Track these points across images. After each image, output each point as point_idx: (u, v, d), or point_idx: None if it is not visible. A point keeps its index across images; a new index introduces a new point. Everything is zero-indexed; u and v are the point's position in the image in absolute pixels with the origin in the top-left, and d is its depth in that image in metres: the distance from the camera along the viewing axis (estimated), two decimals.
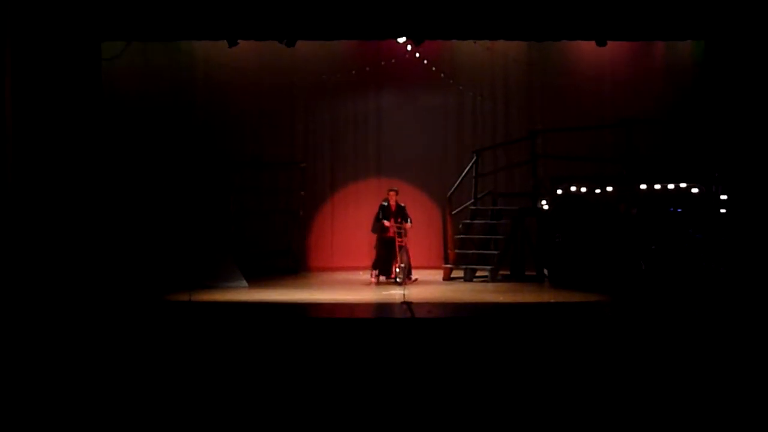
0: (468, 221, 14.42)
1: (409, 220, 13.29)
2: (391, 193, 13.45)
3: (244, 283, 12.78)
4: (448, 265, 14.08)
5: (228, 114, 16.04)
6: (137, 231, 14.23)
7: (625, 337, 8.41)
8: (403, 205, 13.40)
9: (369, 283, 13.06)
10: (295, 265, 15.37)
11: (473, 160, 14.65)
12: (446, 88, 16.38)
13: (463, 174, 14.58)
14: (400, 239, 13.07)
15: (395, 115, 16.44)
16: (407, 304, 10.41)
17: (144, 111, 15.42)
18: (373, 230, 13.81)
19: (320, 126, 16.53)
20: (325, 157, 16.54)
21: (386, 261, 13.18)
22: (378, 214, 13.36)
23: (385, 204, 13.35)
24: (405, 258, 12.99)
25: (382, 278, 13.23)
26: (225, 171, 15.66)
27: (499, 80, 16.51)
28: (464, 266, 13.89)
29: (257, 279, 13.50)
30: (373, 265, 13.46)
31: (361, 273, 15.10)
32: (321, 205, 16.53)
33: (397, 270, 13.00)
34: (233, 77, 15.98)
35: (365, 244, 16.12)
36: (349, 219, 16.44)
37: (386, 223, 13.20)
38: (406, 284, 12.72)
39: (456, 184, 14.49)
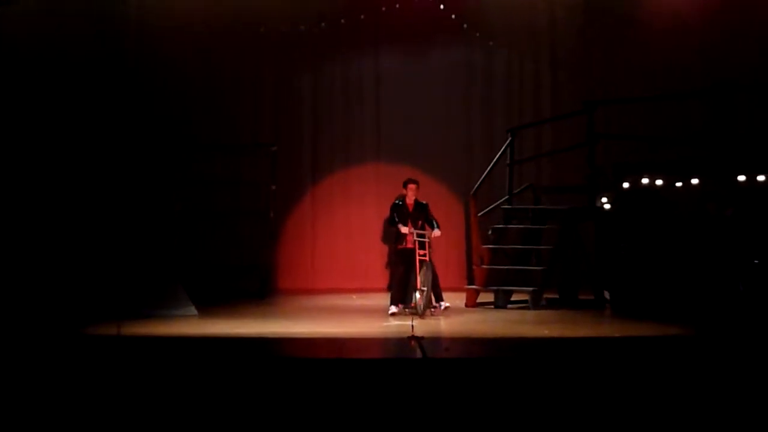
0: (500, 226, 14.40)
1: (435, 224, 12.91)
2: (411, 185, 13.00)
3: (193, 310, 12.79)
4: (473, 287, 14.07)
5: (170, 79, 16.03)
6: (46, 239, 14.21)
7: (716, 386, 8.38)
8: (425, 202, 13.13)
9: (392, 315, 12.75)
10: (262, 286, 15.37)
11: (507, 142, 14.64)
12: (471, 43, 16.40)
13: (494, 161, 14.56)
14: (422, 252, 12.63)
15: (400, 80, 16.44)
16: (416, 340, 10.37)
17: (53, 75, 15.40)
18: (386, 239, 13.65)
19: (297, 95, 16.53)
20: (303, 137, 16.53)
21: (407, 283, 12.85)
22: (391, 216, 13.09)
23: (400, 203, 12.99)
24: (428, 278, 12.56)
25: (401, 306, 12.85)
26: (166, 157, 15.66)
27: (543, 33, 16.52)
28: (495, 288, 13.88)
29: (211, 305, 13.48)
30: (391, 293, 13.18)
31: (354, 297, 15.07)
32: (298, 203, 16.52)
33: (417, 296, 12.58)
34: (177, 29, 15.98)
35: (361, 256, 16.14)
36: (337, 222, 16.43)
37: (403, 228, 12.87)
38: (433, 315, 12.58)
39: (484, 175, 14.48)
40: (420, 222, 12.90)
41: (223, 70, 16.27)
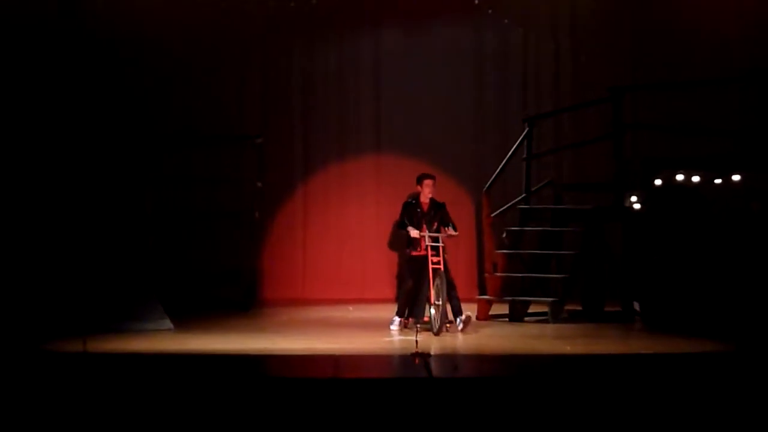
0: (516, 228, 14.38)
1: (452, 225, 12.58)
2: (427, 181, 12.68)
3: (168, 323, 12.80)
4: (485, 297, 14.05)
5: (142, 60, 15.98)
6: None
7: (759, 408, 8.36)
8: (442, 202, 12.80)
9: (395, 330, 12.59)
10: (246, 296, 15.35)
11: (524, 133, 14.62)
12: (483, 20, 16.39)
13: (509, 154, 14.54)
14: (435, 259, 12.31)
15: (403, 62, 16.43)
16: (421, 357, 10.34)
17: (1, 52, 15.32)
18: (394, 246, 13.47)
19: (286, 79, 16.52)
20: (294, 126, 16.51)
21: (417, 295, 12.60)
22: (401, 217, 12.81)
23: (413, 202, 12.71)
24: (442, 290, 12.22)
25: (411, 321, 12.64)
26: (137, 149, 15.63)
27: (564, 10, 16.52)
28: (510, 298, 13.86)
29: (189, 318, 13.49)
30: (397, 304, 12.99)
31: (351, 309, 15.06)
32: (287, 201, 16.50)
33: (432, 312, 12.28)
34: (151, 2, 15.94)
35: (359, 263, 16.12)
36: (332, 224, 16.41)
37: (413, 232, 12.64)
38: (449, 331, 12.40)
39: (497, 171, 14.46)
40: (435, 224, 12.61)
41: (203, 50, 16.22)
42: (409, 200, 12.78)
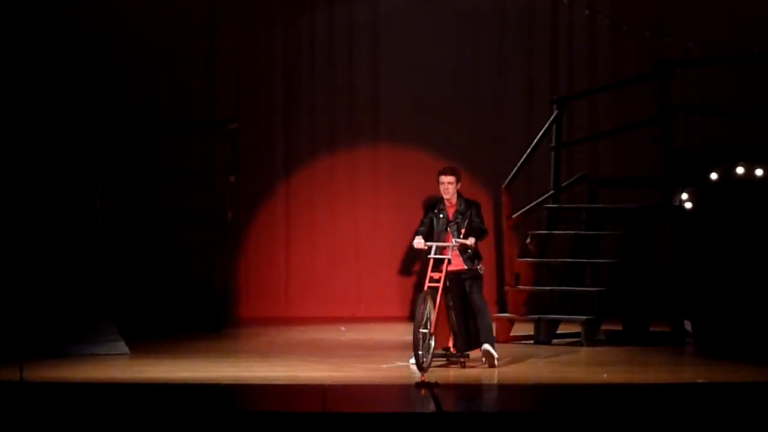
0: (543, 232, 14.40)
1: (477, 230, 12.02)
2: (442, 178, 12.16)
3: (124, 347, 12.83)
4: (505, 315, 14.06)
5: (89, 31, 15.98)
6: None
7: None
8: (474, 201, 12.29)
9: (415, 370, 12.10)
10: (217, 314, 15.35)
11: (553, 117, 14.64)
12: None
13: (535, 142, 14.55)
14: (435, 275, 11.81)
15: (406, 32, 16.41)
16: (428, 388, 10.35)
17: None
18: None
19: (265, 52, 16.50)
20: (274, 110, 16.51)
21: (438, 324, 12.13)
22: (420, 225, 12.30)
23: (434, 205, 12.22)
24: (426, 314, 11.59)
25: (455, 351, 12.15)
26: (86, 138, 15.62)
27: None
28: (535, 316, 13.87)
29: (148, 341, 13.55)
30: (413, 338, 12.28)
31: (342, 329, 15.06)
32: (267, 200, 16.50)
33: (428, 348, 11.53)
34: None
35: (352, 274, 16.13)
36: (320, 227, 16.40)
37: (417, 242, 12.24)
38: (462, 365, 12.17)
39: (521, 162, 14.47)
40: (464, 231, 12.11)
41: (163, 18, 16.23)
42: (432, 203, 12.42)
